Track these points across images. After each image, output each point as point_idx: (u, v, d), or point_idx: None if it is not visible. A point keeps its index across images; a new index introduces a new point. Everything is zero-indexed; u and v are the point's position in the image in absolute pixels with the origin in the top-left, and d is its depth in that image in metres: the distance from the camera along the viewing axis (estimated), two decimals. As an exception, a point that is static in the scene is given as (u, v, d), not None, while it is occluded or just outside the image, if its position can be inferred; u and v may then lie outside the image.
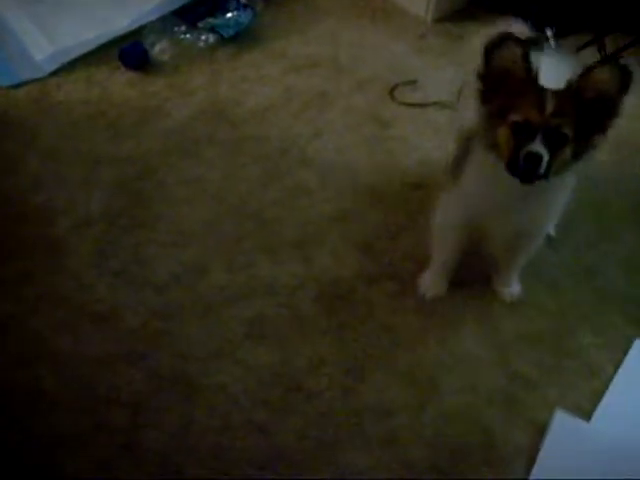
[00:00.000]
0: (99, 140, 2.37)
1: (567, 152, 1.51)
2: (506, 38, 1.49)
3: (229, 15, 2.67)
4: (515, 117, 1.50)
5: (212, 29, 2.67)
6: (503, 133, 1.53)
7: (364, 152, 2.34)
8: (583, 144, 1.53)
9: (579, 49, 2.51)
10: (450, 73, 1.75)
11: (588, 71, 1.48)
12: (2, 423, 1.74)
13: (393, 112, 2.46)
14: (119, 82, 2.55)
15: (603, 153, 2.30)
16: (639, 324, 1.93)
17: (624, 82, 1.46)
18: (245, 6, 2.70)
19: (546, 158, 1.47)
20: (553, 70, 1.62)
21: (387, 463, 1.68)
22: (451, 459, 1.69)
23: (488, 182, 1.65)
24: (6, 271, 2.03)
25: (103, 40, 2.62)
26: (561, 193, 1.71)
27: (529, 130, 1.48)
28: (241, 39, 2.69)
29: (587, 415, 1.77)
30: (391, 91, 2.52)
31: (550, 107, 1.47)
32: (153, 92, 2.52)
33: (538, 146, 1.47)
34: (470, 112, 1.66)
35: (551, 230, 2.08)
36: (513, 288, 2.00)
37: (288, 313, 1.94)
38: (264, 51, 2.68)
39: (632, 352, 1.88)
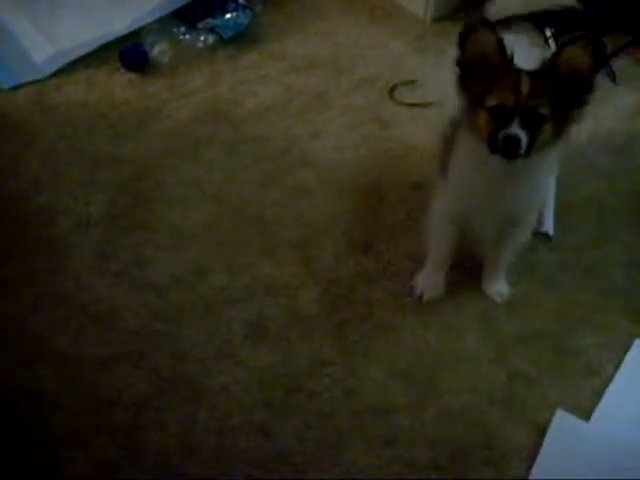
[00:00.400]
0: (99, 141, 2.37)
1: (547, 131, 1.54)
2: (480, 23, 1.51)
3: (228, 16, 2.67)
4: (491, 101, 1.53)
5: (211, 30, 2.67)
6: (482, 117, 1.56)
7: (364, 152, 2.34)
8: (562, 120, 1.55)
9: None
10: (449, 73, 1.79)
11: (561, 49, 1.51)
12: (3, 423, 1.74)
13: (393, 112, 2.47)
14: (119, 83, 2.55)
15: (603, 153, 2.33)
16: (639, 323, 1.94)
17: (597, 57, 1.49)
18: (244, 7, 2.70)
19: (525, 140, 1.50)
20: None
21: (388, 463, 1.69)
22: (452, 458, 1.70)
23: (473, 166, 1.68)
24: (6, 271, 2.03)
25: (103, 41, 2.61)
26: (545, 173, 1.74)
27: (506, 113, 1.51)
28: (240, 40, 2.69)
29: (587, 415, 1.77)
30: (390, 91, 2.52)
31: (525, 89, 1.49)
32: (153, 93, 2.52)
33: (515, 129, 1.50)
34: (450, 107, 1.70)
35: (550, 229, 2.09)
36: (501, 287, 1.99)
37: (288, 314, 1.94)
38: (263, 52, 2.69)
39: (632, 352, 1.88)
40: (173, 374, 1.82)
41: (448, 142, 1.78)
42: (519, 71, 1.52)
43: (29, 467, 1.68)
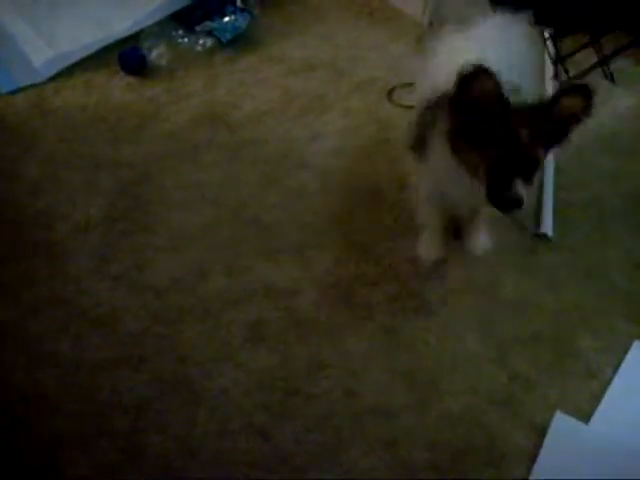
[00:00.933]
0: (98, 145, 2.37)
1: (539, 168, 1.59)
2: (479, 70, 1.50)
3: (226, 19, 2.66)
4: (492, 153, 1.54)
5: (210, 33, 2.67)
6: (474, 161, 1.58)
7: (363, 154, 2.34)
8: (548, 153, 1.61)
9: (577, 51, 2.51)
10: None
11: (557, 97, 1.54)
12: (3, 426, 1.75)
13: (392, 114, 2.46)
14: (118, 87, 2.55)
15: (603, 154, 2.33)
16: (639, 325, 1.94)
17: (589, 104, 1.53)
18: (242, 10, 2.70)
19: (526, 195, 1.53)
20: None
21: (388, 464, 1.69)
22: (452, 459, 1.70)
23: (451, 183, 1.72)
24: (6, 275, 2.04)
25: (101, 45, 2.61)
26: None
27: (506, 165, 1.53)
28: (238, 43, 2.69)
29: (586, 417, 1.77)
30: (389, 93, 2.52)
31: (526, 139, 1.51)
32: (151, 96, 2.52)
33: (519, 189, 1.53)
34: (431, 80, 1.72)
35: (549, 231, 2.09)
36: (484, 241, 2.04)
37: (287, 316, 1.94)
38: (262, 55, 2.68)
39: (631, 354, 1.87)
40: (173, 377, 1.82)
41: (424, 127, 1.77)
42: (517, 119, 1.52)
43: (29, 469, 1.69)
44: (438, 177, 1.78)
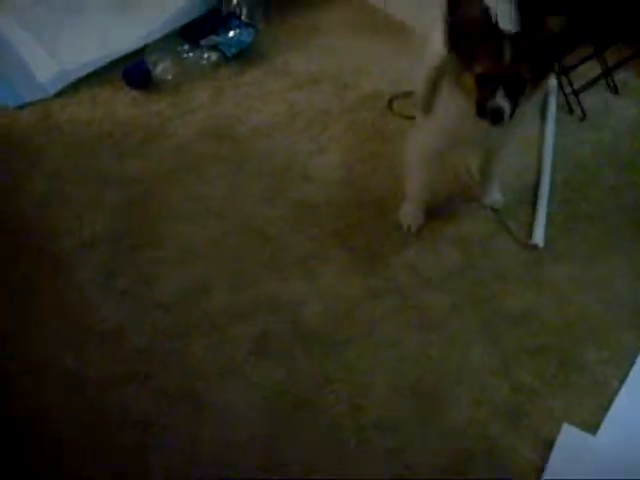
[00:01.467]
0: (104, 159, 2.39)
1: (527, 91, 1.67)
2: None
3: (231, 33, 2.69)
4: (477, 69, 1.64)
5: (214, 47, 2.69)
6: (469, 82, 1.67)
7: (368, 167, 2.35)
8: (539, 76, 1.68)
9: (580, 62, 2.52)
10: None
11: (539, 17, 1.62)
12: (6, 441, 1.75)
13: (396, 127, 2.47)
14: (123, 102, 2.57)
15: (606, 166, 2.33)
16: (645, 336, 1.94)
17: (572, 24, 1.62)
18: (247, 24, 2.72)
19: (508, 108, 1.64)
20: None
21: (393, 478, 1.69)
22: (457, 473, 1.69)
23: (457, 117, 1.80)
24: (12, 289, 2.05)
25: (107, 60, 2.64)
26: (527, 115, 1.86)
27: (491, 81, 1.63)
28: (243, 57, 2.71)
29: (593, 429, 1.76)
30: (389, 103, 2.53)
31: (508, 56, 1.60)
32: (157, 111, 2.54)
33: (500, 100, 1.63)
34: (437, 48, 1.77)
35: (540, 242, 2.11)
36: (496, 196, 2.22)
37: (293, 329, 1.94)
38: (266, 69, 2.70)
39: (638, 365, 1.87)
40: (180, 391, 1.83)
41: (433, 85, 1.87)
42: (502, 38, 1.60)
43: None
44: (448, 115, 1.84)
